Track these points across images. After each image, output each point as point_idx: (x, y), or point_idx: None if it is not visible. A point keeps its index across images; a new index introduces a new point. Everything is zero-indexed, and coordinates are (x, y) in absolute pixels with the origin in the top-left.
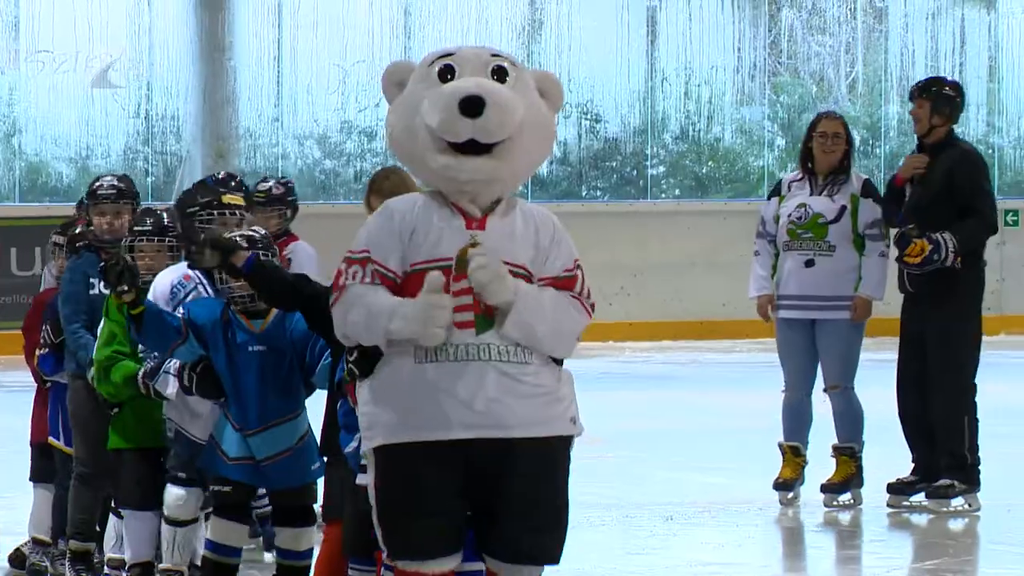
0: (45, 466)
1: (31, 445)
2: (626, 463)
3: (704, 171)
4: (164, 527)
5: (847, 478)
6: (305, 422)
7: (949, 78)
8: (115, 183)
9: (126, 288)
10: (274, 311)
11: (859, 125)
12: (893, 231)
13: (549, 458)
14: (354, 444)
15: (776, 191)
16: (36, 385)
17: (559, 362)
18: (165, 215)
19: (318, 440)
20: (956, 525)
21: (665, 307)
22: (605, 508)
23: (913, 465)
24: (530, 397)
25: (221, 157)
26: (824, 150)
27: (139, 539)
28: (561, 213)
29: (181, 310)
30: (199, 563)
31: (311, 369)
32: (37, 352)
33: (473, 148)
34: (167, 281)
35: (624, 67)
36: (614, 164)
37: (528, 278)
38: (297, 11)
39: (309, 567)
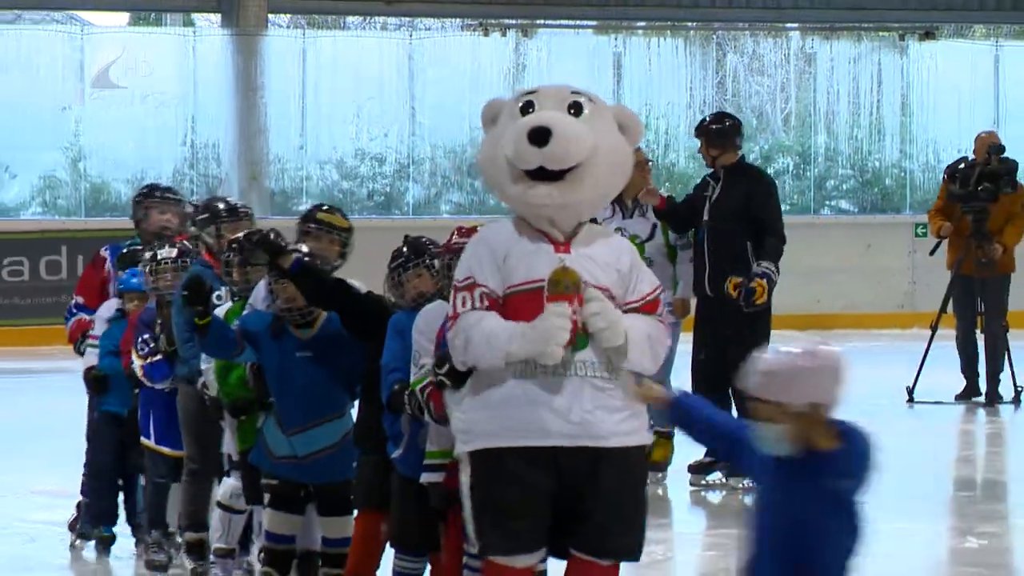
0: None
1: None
2: None
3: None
4: (220, 513)
5: (667, 458)
6: (349, 422)
7: (725, 114)
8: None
9: (200, 308)
10: (320, 322)
11: (792, 152)
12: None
13: (632, 465)
14: (399, 452)
15: None
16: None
17: None
18: (271, 233)
19: None
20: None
21: None
22: None
23: (706, 450)
24: (618, 411)
25: (254, 179)
26: (642, 175)
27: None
28: None
29: (236, 323)
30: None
31: (357, 375)
32: (142, 361)
33: (544, 175)
34: (263, 285)
35: None
36: None
37: (611, 299)
38: (319, 56)
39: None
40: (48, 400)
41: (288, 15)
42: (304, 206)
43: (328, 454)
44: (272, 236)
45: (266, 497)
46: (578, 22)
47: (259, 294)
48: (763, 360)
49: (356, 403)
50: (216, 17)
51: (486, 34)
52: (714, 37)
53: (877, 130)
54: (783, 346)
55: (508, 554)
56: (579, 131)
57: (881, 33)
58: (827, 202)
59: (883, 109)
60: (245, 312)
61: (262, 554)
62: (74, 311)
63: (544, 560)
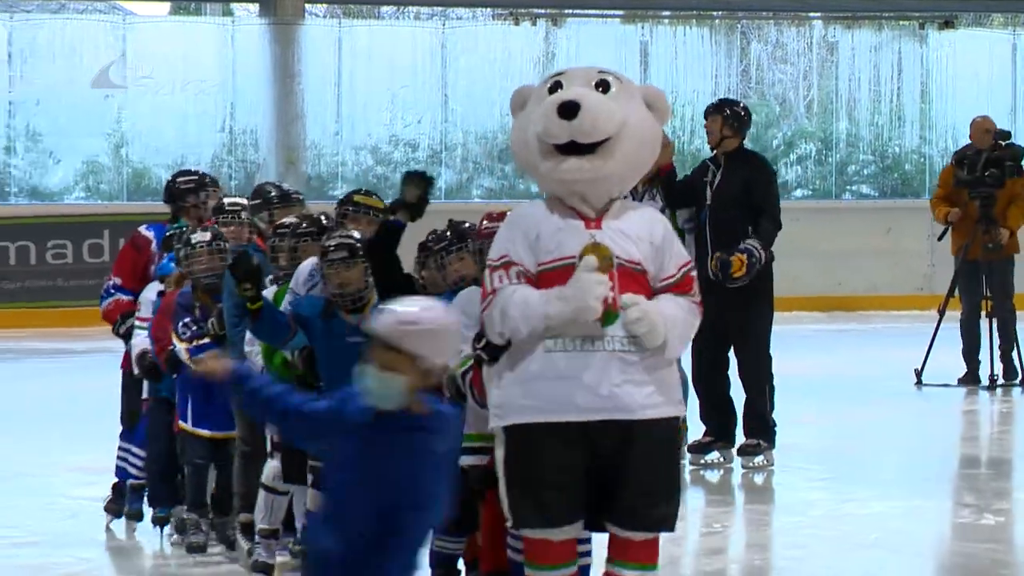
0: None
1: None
2: None
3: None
4: (264, 494)
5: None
6: None
7: (741, 101)
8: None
9: (249, 285)
10: (370, 307)
11: (814, 138)
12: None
13: (664, 437)
14: None
15: None
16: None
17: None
18: (323, 217)
19: None
20: (759, 477)
21: None
22: None
23: (705, 429)
24: (647, 384)
25: (292, 164)
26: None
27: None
28: None
29: (288, 307)
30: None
31: None
32: (187, 344)
33: (575, 149)
34: (307, 266)
35: None
36: None
37: (643, 274)
38: (354, 45)
39: None
40: (89, 379)
41: (324, 5)
42: (340, 191)
43: None
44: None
45: (309, 478)
46: (606, 11)
47: (299, 277)
48: (408, 311)
49: None
50: (254, 7)
51: (516, 23)
52: (738, 26)
53: (897, 117)
54: (421, 301)
55: (541, 527)
56: (608, 105)
57: (901, 22)
58: (848, 187)
59: (903, 96)
60: (289, 296)
61: (299, 535)
62: (112, 291)
63: (588, 539)
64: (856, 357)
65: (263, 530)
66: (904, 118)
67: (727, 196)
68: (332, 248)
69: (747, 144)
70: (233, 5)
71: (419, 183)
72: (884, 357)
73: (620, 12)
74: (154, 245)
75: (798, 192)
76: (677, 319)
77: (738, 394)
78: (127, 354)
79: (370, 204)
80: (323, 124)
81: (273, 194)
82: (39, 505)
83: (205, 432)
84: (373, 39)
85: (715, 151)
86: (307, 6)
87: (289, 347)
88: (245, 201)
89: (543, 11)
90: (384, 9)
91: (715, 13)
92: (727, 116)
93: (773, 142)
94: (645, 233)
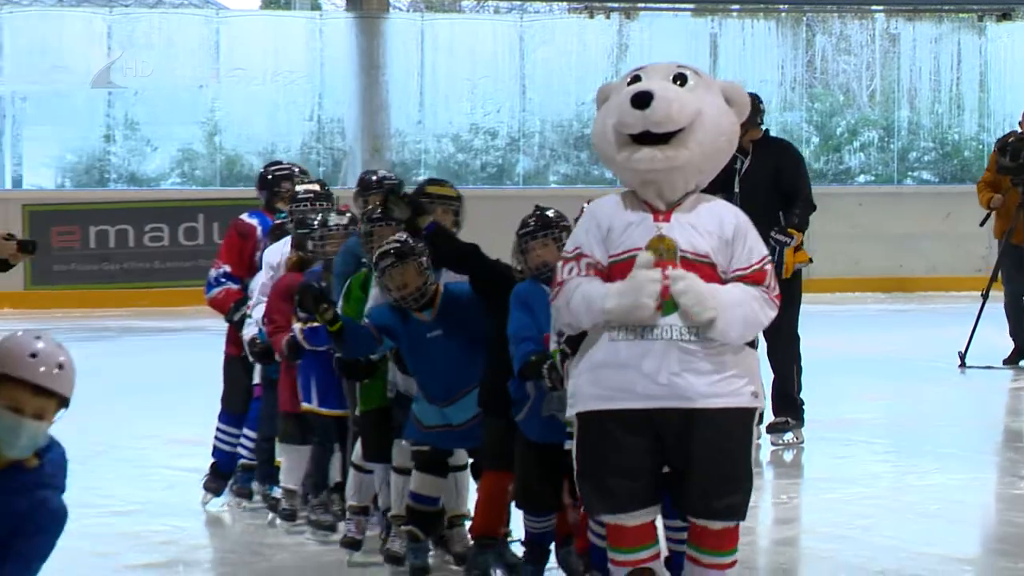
0: (290, 429)
1: (279, 412)
2: None
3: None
4: (353, 472)
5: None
6: None
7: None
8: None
9: (325, 307)
10: (438, 301)
11: (877, 126)
12: None
13: (728, 427)
14: (522, 415)
15: None
16: (282, 361)
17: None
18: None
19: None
20: (788, 455)
21: None
22: None
23: None
24: (709, 373)
25: (377, 152)
26: None
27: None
28: None
29: (366, 319)
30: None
31: (485, 340)
32: (303, 325)
33: (649, 139)
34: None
35: None
36: None
37: (712, 266)
38: (436, 37)
39: None
40: (184, 356)
41: None
42: (423, 177)
43: (481, 419)
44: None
45: (413, 462)
46: (677, 5)
47: None
48: (51, 349)
49: None
50: (341, 1)
51: (591, 17)
52: (804, 19)
53: (956, 105)
54: (45, 338)
55: (608, 512)
56: (682, 96)
57: (961, 15)
58: (910, 173)
59: (962, 86)
60: (369, 307)
61: (386, 513)
62: (221, 280)
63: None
64: (916, 336)
65: (352, 507)
66: (963, 107)
67: (756, 182)
68: (379, 257)
69: (810, 131)
70: (321, 0)
71: (400, 204)
72: (943, 336)
73: (691, 6)
74: (259, 232)
75: (861, 178)
76: (735, 300)
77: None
78: (235, 339)
79: (443, 193)
80: (406, 113)
81: (372, 179)
82: (137, 476)
83: (327, 411)
84: (454, 32)
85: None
86: (392, 1)
87: (378, 353)
88: (319, 188)
89: (617, 5)
90: (465, 3)
91: (782, 6)
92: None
93: (837, 130)
94: (715, 227)
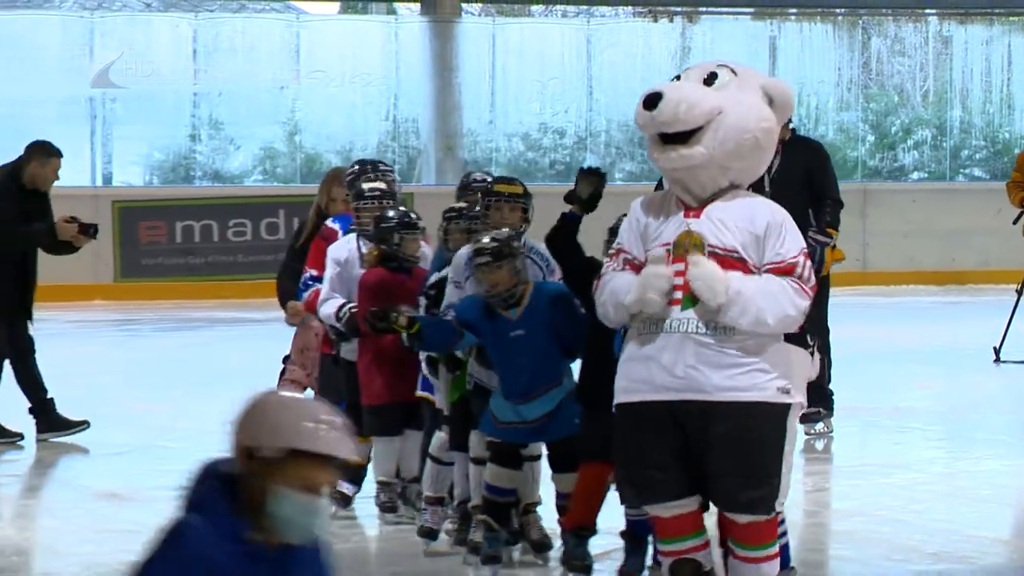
0: (379, 421)
1: (362, 406)
2: None
3: None
4: (430, 464)
5: None
6: (565, 387)
7: None
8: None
9: (396, 317)
10: (526, 299)
11: (930, 125)
12: None
13: (750, 422)
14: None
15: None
16: (362, 357)
17: (800, 340)
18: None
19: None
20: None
21: None
22: None
23: None
24: (728, 367)
25: (450, 150)
26: None
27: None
28: None
29: (451, 313)
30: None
31: (574, 338)
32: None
33: (670, 138)
34: (464, 253)
35: None
36: None
37: (741, 260)
38: (506, 40)
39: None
40: (266, 346)
41: (480, 4)
42: (495, 174)
43: (553, 415)
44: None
45: (488, 454)
46: (737, 9)
47: (458, 263)
48: (314, 408)
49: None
50: (416, 6)
51: (655, 20)
52: (860, 22)
53: (1007, 105)
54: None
55: (641, 502)
56: (694, 95)
57: (1011, 18)
58: (962, 170)
59: (1013, 86)
60: (456, 301)
61: (459, 504)
62: (309, 283)
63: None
64: (968, 327)
65: (429, 498)
66: (1014, 106)
67: (787, 181)
68: (476, 253)
69: (865, 130)
70: (396, 4)
71: (592, 180)
72: (993, 327)
73: (751, 10)
74: (340, 235)
75: (915, 175)
76: (755, 288)
77: None
78: (328, 340)
79: (511, 191)
80: (478, 113)
81: (471, 180)
82: None
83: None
84: (524, 35)
85: None
86: (464, 5)
87: (458, 348)
88: (384, 186)
89: (680, 9)
90: (534, 8)
91: (838, 10)
92: None
93: (892, 129)
94: (746, 222)
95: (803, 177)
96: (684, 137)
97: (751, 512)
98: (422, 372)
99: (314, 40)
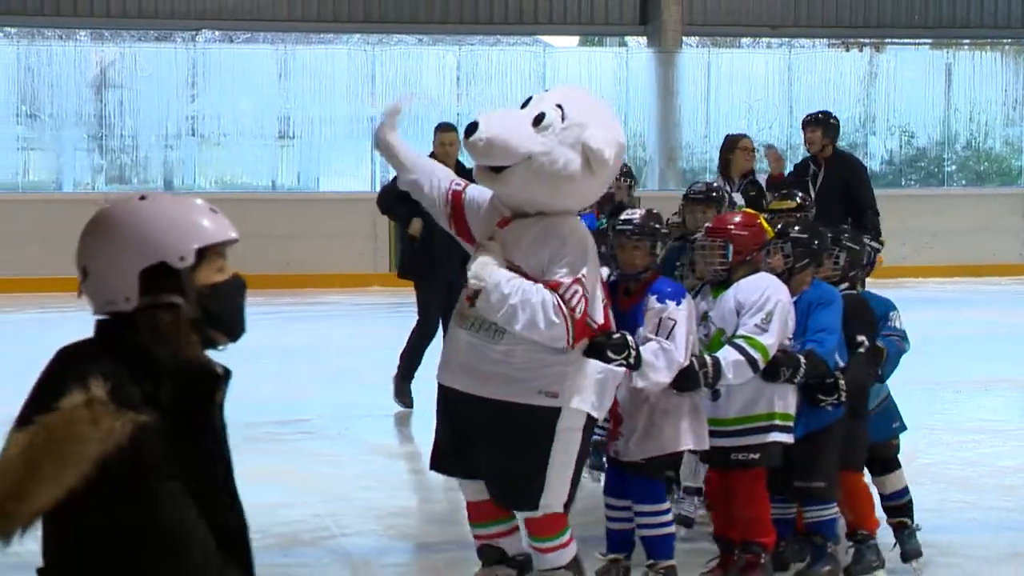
0: None
1: None
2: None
3: (982, 168)
4: (687, 454)
5: None
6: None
7: (831, 112)
8: (704, 187)
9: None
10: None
11: None
12: None
13: (510, 421)
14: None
15: None
16: None
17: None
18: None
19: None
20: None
21: (955, 255)
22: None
23: None
24: (494, 365)
25: (672, 161)
26: (746, 159)
27: None
28: (893, 196)
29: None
30: None
31: None
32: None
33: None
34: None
35: (929, 101)
36: (923, 164)
37: (525, 276)
38: (719, 67)
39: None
40: None
41: (697, 37)
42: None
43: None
44: None
45: None
46: (918, 40)
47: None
48: None
49: None
50: (643, 39)
51: (847, 50)
52: None
53: None
54: None
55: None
56: (508, 136)
57: None
58: None
59: None
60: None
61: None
62: None
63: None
64: None
65: (687, 487)
66: None
67: (829, 193)
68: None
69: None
70: (627, 38)
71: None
72: None
73: (929, 40)
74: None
75: None
76: (515, 288)
77: None
78: None
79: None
80: (695, 129)
81: (694, 188)
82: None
83: None
84: (734, 63)
85: (815, 155)
86: (684, 38)
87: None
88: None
89: (868, 40)
90: (743, 40)
91: (1006, 40)
92: (828, 127)
93: None
94: (536, 247)
95: (842, 190)
96: (497, 169)
97: (516, 507)
98: None
99: (557, 68)
